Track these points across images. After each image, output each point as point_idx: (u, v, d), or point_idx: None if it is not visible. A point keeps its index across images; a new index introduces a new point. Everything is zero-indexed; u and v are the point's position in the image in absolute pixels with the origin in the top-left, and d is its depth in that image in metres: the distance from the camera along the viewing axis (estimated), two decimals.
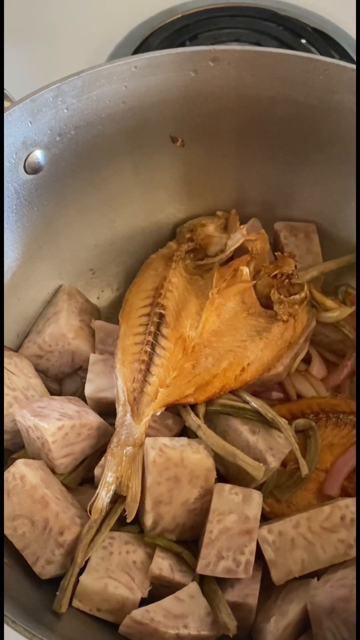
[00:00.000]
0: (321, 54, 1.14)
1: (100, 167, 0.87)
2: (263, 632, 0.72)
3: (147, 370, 0.78)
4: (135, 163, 0.88)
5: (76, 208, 0.88)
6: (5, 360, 0.83)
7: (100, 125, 0.83)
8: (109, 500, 0.74)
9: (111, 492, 0.74)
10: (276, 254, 0.89)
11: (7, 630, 0.62)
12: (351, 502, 0.76)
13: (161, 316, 0.81)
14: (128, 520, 0.74)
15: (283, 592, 0.75)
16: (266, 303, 0.86)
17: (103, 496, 0.73)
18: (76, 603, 0.73)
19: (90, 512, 0.73)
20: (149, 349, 0.79)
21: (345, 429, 0.84)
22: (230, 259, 0.89)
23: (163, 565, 0.74)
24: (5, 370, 0.81)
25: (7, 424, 0.80)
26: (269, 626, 0.72)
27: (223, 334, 0.82)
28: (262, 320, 0.84)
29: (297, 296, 0.85)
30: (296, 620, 0.72)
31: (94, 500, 0.73)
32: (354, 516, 0.76)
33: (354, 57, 1.16)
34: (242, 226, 0.89)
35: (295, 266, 0.86)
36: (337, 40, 1.19)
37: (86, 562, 0.73)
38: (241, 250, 0.88)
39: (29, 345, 0.87)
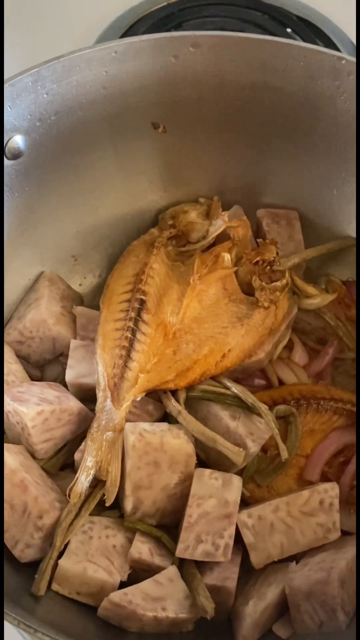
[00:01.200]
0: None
1: (82, 153, 0.86)
2: (241, 614, 0.73)
3: (128, 356, 0.78)
4: (117, 150, 0.88)
5: (58, 194, 0.88)
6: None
7: (81, 111, 0.83)
8: (88, 485, 0.74)
9: (90, 477, 0.74)
10: (258, 240, 0.89)
11: None
12: (330, 486, 0.77)
13: (142, 302, 0.81)
14: (107, 505, 0.74)
15: (262, 576, 0.75)
16: (247, 290, 0.86)
17: (82, 480, 0.73)
18: (55, 586, 0.73)
19: (69, 496, 0.73)
20: (129, 335, 0.79)
21: (325, 415, 0.84)
22: (212, 245, 0.89)
23: (143, 549, 0.74)
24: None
25: None
26: (247, 609, 0.72)
27: (204, 320, 0.82)
28: (244, 306, 0.84)
29: (278, 283, 0.85)
30: (274, 603, 0.73)
31: (73, 485, 0.73)
32: (333, 500, 0.76)
33: (340, 46, 1.16)
34: (223, 213, 0.89)
35: (277, 253, 0.87)
36: (322, 29, 1.18)
37: (66, 545, 0.73)
38: (223, 237, 0.88)
39: (10, 331, 0.87)
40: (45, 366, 0.89)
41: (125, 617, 0.70)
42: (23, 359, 0.88)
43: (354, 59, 0.80)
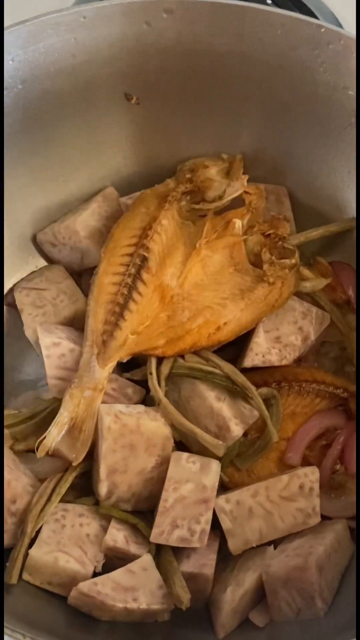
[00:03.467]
0: None
1: (51, 125, 0.83)
2: (219, 602, 0.71)
3: (120, 314, 0.76)
4: (89, 122, 0.85)
5: (26, 168, 0.84)
6: (36, 278, 0.86)
7: (50, 81, 0.80)
8: (59, 440, 0.71)
9: (63, 432, 0.72)
10: (272, 214, 0.86)
11: None
12: (310, 470, 0.75)
13: (144, 259, 0.78)
14: (74, 464, 0.72)
15: (240, 561, 0.74)
16: (254, 260, 0.83)
17: (54, 434, 0.72)
18: (26, 576, 0.71)
19: (37, 449, 0.71)
20: (125, 292, 0.77)
21: (307, 397, 0.82)
22: (226, 209, 0.85)
23: (118, 536, 0.72)
24: (35, 291, 0.85)
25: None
26: (225, 596, 0.71)
27: (205, 288, 0.79)
28: (248, 278, 0.81)
29: (287, 261, 0.82)
30: (252, 589, 0.71)
31: (44, 438, 0.71)
32: (313, 485, 0.74)
33: (320, 17, 1.12)
34: (243, 176, 0.85)
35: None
36: (304, 2, 1.15)
37: (38, 532, 0.71)
38: (237, 202, 0.85)
39: (47, 230, 0.88)
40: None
41: (94, 607, 0.68)
42: (55, 261, 0.90)
43: (333, 28, 0.77)
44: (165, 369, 0.78)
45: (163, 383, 0.77)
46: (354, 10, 1.10)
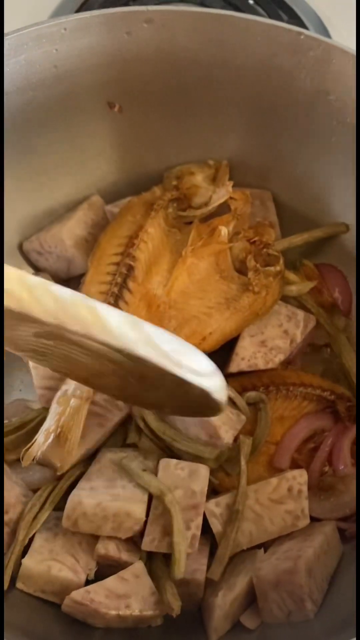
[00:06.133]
0: (269, 16, 1.10)
1: (34, 136, 0.83)
2: (212, 606, 0.72)
3: None
4: (72, 131, 0.85)
5: (10, 177, 0.84)
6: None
7: (32, 91, 0.80)
8: (45, 448, 0.72)
9: (49, 441, 0.72)
10: (257, 220, 0.86)
11: None
12: (298, 473, 0.76)
13: (130, 268, 0.79)
14: (58, 473, 0.72)
15: (231, 565, 0.75)
16: (239, 267, 0.83)
17: (40, 442, 0.72)
18: (20, 585, 0.72)
19: (22, 458, 0.71)
20: (112, 301, 0.77)
21: (295, 401, 0.83)
22: (212, 215, 0.86)
23: (109, 545, 0.72)
24: None
25: None
26: (217, 600, 0.71)
27: (190, 296, 0.80)
28: (234, 286, 0.81)
29: (272, 268, 0.82)
30: (244, 593, 0.72)
31: (30, 446, 0.72)
32: (301, 487, 0.75)
33: (304, 18, 1.12)
34: (229, 182, 0.85)
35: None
36: (287, 2, 1.15)
37: (31, 540, 0.72)
38: (224, 207, 0.85)
39: (33, 239, 0.88)
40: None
41: (88, 614, 0.69)
42: (41, 271, 0.90)
43: (313, 35, 0.77)
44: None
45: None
46: (339, 11, 1.10)
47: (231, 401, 0.79)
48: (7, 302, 0.48)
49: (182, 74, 0.83)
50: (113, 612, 0.68)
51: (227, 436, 0.76)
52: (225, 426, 0.76)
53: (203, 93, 0.85)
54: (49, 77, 0.80)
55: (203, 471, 0.74)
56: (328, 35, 1.09)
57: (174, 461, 0.74)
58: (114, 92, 0.84)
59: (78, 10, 1.07)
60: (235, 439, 0.79)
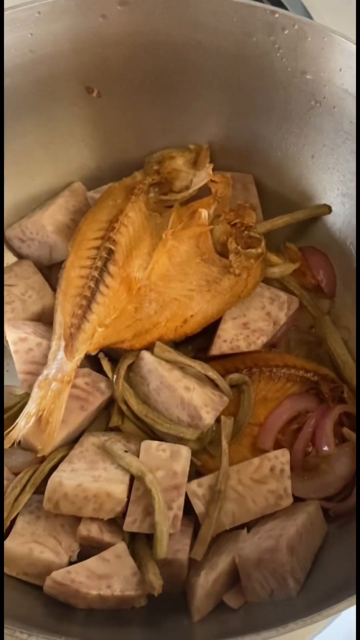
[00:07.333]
0: None
1: (13, 120, 0.83)
2: (194, 586, 0.72)
3: (88, 307, 0.76)
4: (50, 116, 0.85)
5: None
6: (5, 275, 0.86)
7: (9, 77, 0.80)
8: (26, 431, 0.72)
9: (30, 424, 0.72)
10: (238, 202, 0.86)
11: None
12: (280, 453, 0.76)
13: (110, 252, 0.79)
14: (39, 455, 0.73)
15: (214, 545, 0.74)
16: (221, 250, 0.83)
17: (21, 426, 0.72)
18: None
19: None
20: (92, 285, 0.77)
21: (278, 382, 0.83)
22: (193, 198, 0.86)
23: (92, 526, 0.72)
24: (5, 286, 0.85)
25: None
26: (199, 580, 0.71)
27: (171, 279, 0.80)
28: (215, 269, 0.81)
29: (253, 250, 0.82)
30: (226, 572, 0.72)
31: (11, 429, 0.72)
32: (284, 466, 0.75)
33: (287, 4, 1.12)
34: (209, 165, 0.86)
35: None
36: None
37: (13, 523, 0.72)
38: (205, 191, 0.85)
39: (15, 226, 0.88)
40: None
41: (70, 595, 0.69)
42: (25, 257, 0.90)
43: (288, 13, 0.77)
44: (124, 366, 0.78)
45: (121, 381, 0.78)
46: None
47: (213, 383, 0.79)
48: None
49: (160, 58, 0.83)
50: (94, 592, 0.67)
51: (208, 417, 0.75)
52: (207, 407, 0.76)
53: (181, 77, 0.85)
54: (25, 62, 0.80)
55: (184, 452, 0.74)
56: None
57: (155, 443, 0.74)
58: (92, 77, 0.84)
59: None
60: (218, 420, 0.79)
